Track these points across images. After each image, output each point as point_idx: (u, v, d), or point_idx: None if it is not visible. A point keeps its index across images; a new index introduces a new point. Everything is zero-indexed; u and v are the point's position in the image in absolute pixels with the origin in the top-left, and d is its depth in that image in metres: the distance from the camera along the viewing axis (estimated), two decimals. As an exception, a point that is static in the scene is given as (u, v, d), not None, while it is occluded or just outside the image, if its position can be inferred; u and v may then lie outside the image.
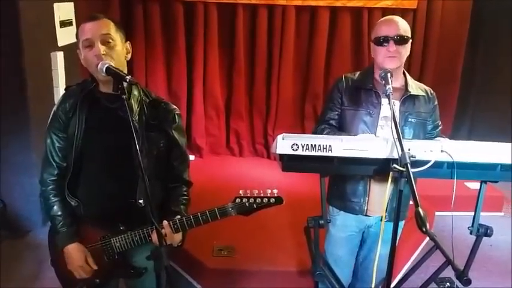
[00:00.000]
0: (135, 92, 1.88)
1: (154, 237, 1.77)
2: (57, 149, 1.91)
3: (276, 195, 1.77)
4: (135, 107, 1.85)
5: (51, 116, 1.93)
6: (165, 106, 1.95)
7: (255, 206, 1.76)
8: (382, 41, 2.13)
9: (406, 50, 2.17)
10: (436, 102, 2.33)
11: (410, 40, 2.19)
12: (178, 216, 1.86)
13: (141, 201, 1.82)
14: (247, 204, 1.76)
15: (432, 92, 2.33)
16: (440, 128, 2.38)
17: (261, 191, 1.77)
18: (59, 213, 1.93)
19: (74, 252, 1.91)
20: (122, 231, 1.89)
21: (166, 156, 1.95)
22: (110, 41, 1.78)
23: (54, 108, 1.92)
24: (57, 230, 1.93)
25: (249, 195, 1.77)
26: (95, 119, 1.87)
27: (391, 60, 2.14)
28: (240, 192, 1.77)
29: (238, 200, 1.77)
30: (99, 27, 1.77)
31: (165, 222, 1.81)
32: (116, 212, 1.88)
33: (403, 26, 2.15)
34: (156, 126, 1.89)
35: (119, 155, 1.84)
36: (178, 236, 1.88)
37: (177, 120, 1.95)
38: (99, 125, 1.87)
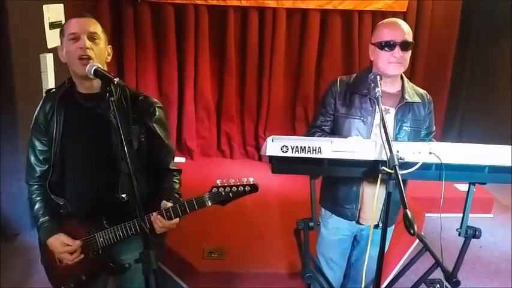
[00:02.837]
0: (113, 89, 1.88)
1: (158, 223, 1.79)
2: (39, 152, 1.95)
3: (251, 183, 1.77)
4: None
5: (32, 121, 1.96)
6: (145, 99, 1.94)
7: (230, 195, 1.77)
8: (386, 46, 2.06)
9: (409, 55, 2.10)
10: (431, 108, 2.28)
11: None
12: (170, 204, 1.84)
13: (123, 195, 1.83)
14: (223, 193, 1.77)
15: (429, 96, 2.28)
16: (433, 134, 2.34)
17: (237, 180, 1.78)
18: (41, 211, 1.97)
19: (53, 242, 1.93)
20: (105, 226, 1.90)
21: (148, 149, 1.95)
22: (96, 38, 1.81)
23: (35, 113, 1.95)
24: (39, 227, 1.97)
25: (225, 184, 1.77)
26: (73, 119, 1.89)
27: (395, 66, 2.08)
28: (217, 182, 1.78)
29: (214, 190, 1.77)
30: (88, 24, 1.81)
31: (154, 214, 1.80)
32: (101, 209, 1.90)
33: (408, 30, 2.09)
34: (136, 120, 1.87)
35: (100, 152, 1.87)
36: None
37: (157, 113, 1.94)
38: (77, 124, 1.89)
